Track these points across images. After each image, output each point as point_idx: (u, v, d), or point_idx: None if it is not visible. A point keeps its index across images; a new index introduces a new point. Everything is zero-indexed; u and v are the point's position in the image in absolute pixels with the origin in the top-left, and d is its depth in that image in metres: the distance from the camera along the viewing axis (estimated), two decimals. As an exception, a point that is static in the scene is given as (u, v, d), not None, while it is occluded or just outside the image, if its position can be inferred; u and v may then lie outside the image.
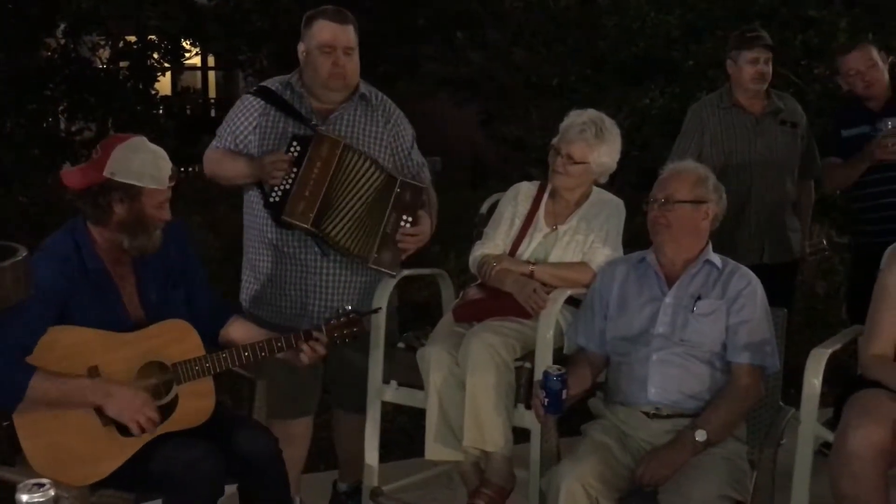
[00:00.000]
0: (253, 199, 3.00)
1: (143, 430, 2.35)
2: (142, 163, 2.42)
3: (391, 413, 3.50)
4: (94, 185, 2.39)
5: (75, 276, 2.39)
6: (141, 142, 2.47)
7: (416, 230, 2.93)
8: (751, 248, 3.64)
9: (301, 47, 2.98)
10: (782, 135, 3.73)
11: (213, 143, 3.03)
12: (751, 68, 3.67)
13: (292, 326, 2.88)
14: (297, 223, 2.82)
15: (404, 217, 2.91)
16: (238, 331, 2.63)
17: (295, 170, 2.82)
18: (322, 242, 2.91)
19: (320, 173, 2.81)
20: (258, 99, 2.98)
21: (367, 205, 2.89)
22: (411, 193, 2.93)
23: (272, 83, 3.03)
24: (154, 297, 2.51)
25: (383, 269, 2.93)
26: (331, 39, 2.91)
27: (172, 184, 2.47)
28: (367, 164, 2.89)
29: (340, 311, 2.64)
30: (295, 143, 2.85)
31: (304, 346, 2.55)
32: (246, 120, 2.97)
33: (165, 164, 2.45)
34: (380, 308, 2.90)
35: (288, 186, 2.82)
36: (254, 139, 2.95)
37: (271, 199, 2.85)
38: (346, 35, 2.93)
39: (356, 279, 2.99)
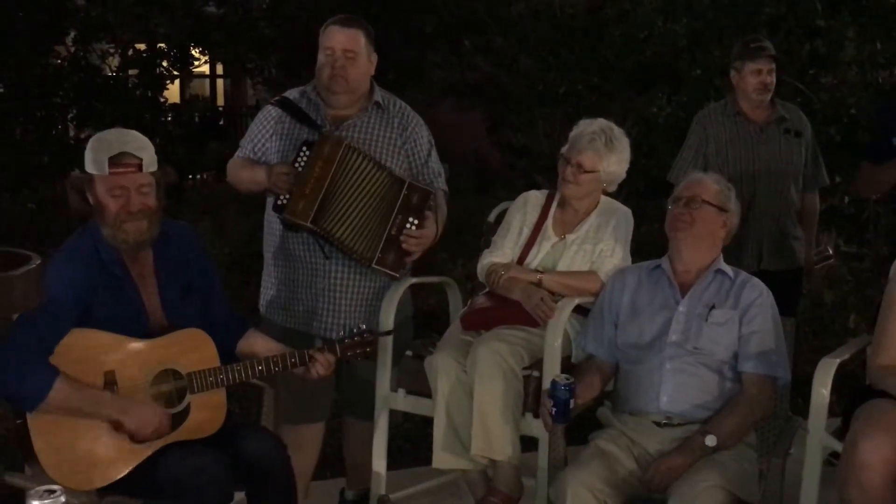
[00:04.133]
0: (270, 205, 3.04)
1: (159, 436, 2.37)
2: (91, 149, 2.42)
3: (398, 421, 3.50)
4: (74, 186, 2.44)
5: (94, 271, 2.40)
6: (103, 132, 2.47)
7: (420, 233, 2.94)
8: (750, 254, 3.64)
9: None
10: (786, 144, 3.74)
11: (237, 152, 3.10)
12: (754, 79, 3.68)
13: (304, 331, 2.93)
14: (298, 221, 2.84)
15: (410, 219, 2.93)
16: (255, 344, 2.64)
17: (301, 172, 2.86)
18: (325, 243, 2.92)
19: (321, 172, 2.84)
20: (276, 108, 3.05)
21: (373, 206, 2.91)
22: (419, 196, 2.95)
23: (291, 93, 3.09)
24: (175, 302, 2.51)
25: (387, 271, 2.94)
26: (332, 42, 2.96)
27: (123, 170, 2.36)
28: (371, 165, 2.91)
29: (355, 329, 2.66)
30: (304, 148, 2.90)
31: (317, 363, 2.56)
32: (263, 129, 3.04)
33: (107, 148, 2.39)
34: (392, 331, 2.90)
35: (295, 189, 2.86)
36: (272, 147, 3.01)
37: (278, 202, 2.90)
38: (348, 38, 2.96)
39: (365, 283, 2.99)
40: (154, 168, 2.45)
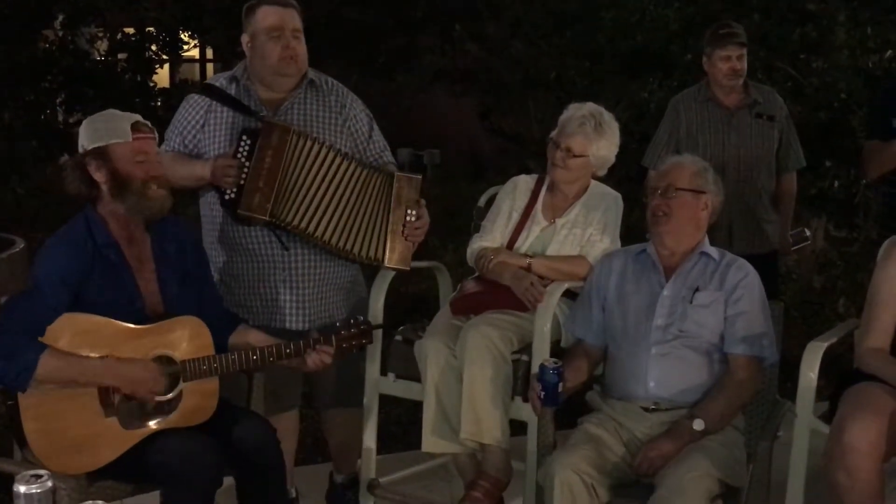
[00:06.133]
0: (210, 200, 2.93)
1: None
2: (99, 124, 2.46)
3: (387, 405, 3.50)
4: (77, 165, 2.46)
5: (88, 256, 2.40)
6: (101, 112, 2.52)
7: (421, 223, 2.91)
8: (720, 239, 3.64)
9: (244, 38, 2.91)
10: (757, 128, 3.76)
11: (163, 147, 2.91)
12: (724, 65, 3.72)
13: (265, 326, 2.81)
14: (255, 216, 2.73)
15: (408, 211, 2.89)
16: (248, 337, 2.62)
17: (247, 164, 2.74)
18: (284, 235, 2.83)
19: (273, 162, 2.73)
20: (203, 97, 2.91)
21: (355, 200, 2.84)
22: (410, 186, 2.92)
23: (216, 79, 2.97)
24: (174, 289, 2.51)
25: (398, 267, 2.91)
26: (278, 22, 2.84)
27: (143, 135, 2.45)
28: (324, 150, 2.81)
29: (352, 320, 2.63)
30: (245, 137, 2.78)
31: (312, 353, 2.55)
32: (193, 119, 2.90)
33: (123, 118, 2.47)
34: (383, 325, 2.91)
35: (242, 182, 2.74)
36: (205, 138, 2.89)
37: (226, 197, 2.79)
38: (293, 17, 2.86)
39: (329, 270, 2.93)
40: None
